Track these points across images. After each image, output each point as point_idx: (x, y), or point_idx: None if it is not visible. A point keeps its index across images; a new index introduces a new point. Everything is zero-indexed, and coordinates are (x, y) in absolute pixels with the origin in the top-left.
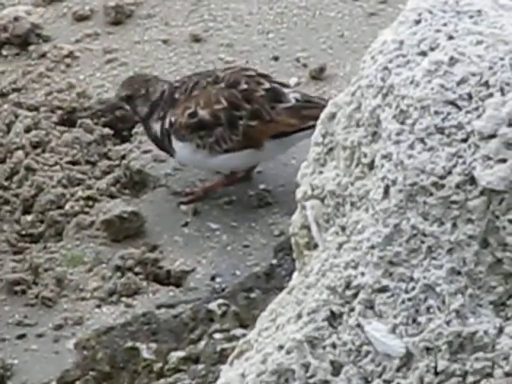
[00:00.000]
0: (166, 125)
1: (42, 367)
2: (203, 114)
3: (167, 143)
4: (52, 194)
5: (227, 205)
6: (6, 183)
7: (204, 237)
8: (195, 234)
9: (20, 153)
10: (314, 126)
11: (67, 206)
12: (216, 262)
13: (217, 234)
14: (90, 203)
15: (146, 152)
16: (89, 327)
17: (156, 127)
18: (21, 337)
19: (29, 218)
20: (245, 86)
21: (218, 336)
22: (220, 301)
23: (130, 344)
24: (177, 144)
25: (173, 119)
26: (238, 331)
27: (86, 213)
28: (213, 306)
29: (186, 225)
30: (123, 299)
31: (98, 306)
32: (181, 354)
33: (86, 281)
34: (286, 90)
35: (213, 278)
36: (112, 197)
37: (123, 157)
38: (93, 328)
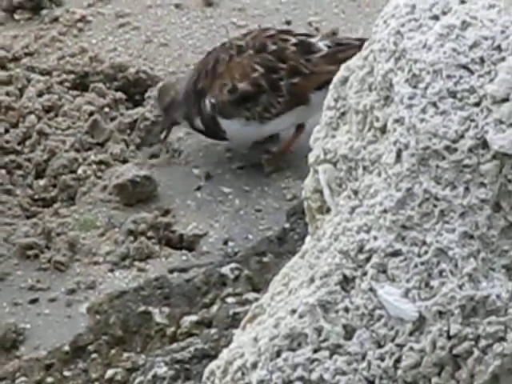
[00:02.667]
0: (208, 110)
1: (55, 331)
2: (243, 86)
3: (214, 127)
4: (64, 158)
5: (240, 169)
6: (18, 147)
7: (216, 201)
8: (208, 198)
9: (32, 117)
10: None
11: (80, 171)
12: (228, 226)
13: (229, 198)
14: (103, 167)
15: (158, 116)
16: (101, 291)
17: (197, 120)
18: (33, 301)
19: (41, 182)
20: (273, 47)
21: (230, 300)
22: (233, 265)
23: (142, 308)
24: (225, 123)
25: (213, 101)
26: (251, 295)
27: (99, 177)
28: (225, 270)
29: (198, 189)
30: (136, 263)
31: (111, 271)
32: (193, 318)
33: (98, 245)
34: (313, 40)
35: (225, 242)
36: (125, 161)
37: (135, 121)
38: (105, 292)
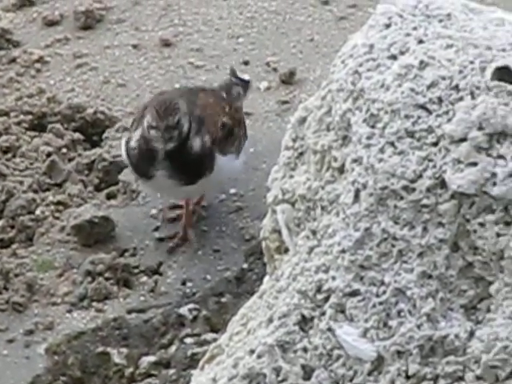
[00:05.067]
0: (206, 143)
1: (13, 372)
2: (227, 121)
3: (206, 162)
4: (22, 199)
5: (200, 210)
6: None
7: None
8: (166, 239)
9: None
10: None
11: (38, 211)
12: (187, 267)
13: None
14: (61, 208)
15: (116, 157)
16: (59, 332)
17: (195, 144)
18: None
19: None
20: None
21: (188, 340)
22: (191, 305)
23: (100, 349)
24: (220, 159)
25: (208, 137)
26: (209, 336)
27: (57, 218)
28: (183, 310)
29: (156, 229)
30: (94, 304)
31: (69, 311)
32: (152, 358)
33: (56, 286)
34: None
35: (183, 283)
36: (83, 202)
37: (93, 161)
38: (64, 333)
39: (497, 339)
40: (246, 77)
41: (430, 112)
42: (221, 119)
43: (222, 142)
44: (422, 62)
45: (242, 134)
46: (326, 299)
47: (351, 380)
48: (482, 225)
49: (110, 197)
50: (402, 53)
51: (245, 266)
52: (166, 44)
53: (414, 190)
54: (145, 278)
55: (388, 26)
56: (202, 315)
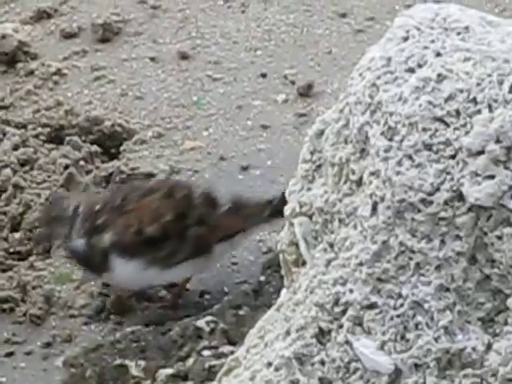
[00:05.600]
0: (105, 244)
1: None
2: (151, 229)
3: (101, 262)
4: (40, 211)
5: None
6: None
7: None
8: None
9: (8, 170)
10: (255, 223)
11: None
12: (204, 280)
13: None
14: None
15: (133, 169)
16: (77, 344)
17: (77, 244)
18: (9, 354)
19: (17, 235)
20: (181, 194)
21: (206, 353)
22: (208, 318)
23: (118, 361)
24: (120, 263)
25: (114, 238)
26: (227, 348)
27: None
28: (201, 323)
29: None
30: (112, 317)
31: (86, 324)
32: (169, 371)
33: (74, 298)
34: (214, 195)
35: (201, 296)
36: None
37: (111, 174)
38: (81, 345)
39: None
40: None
41: (447, 125)
42: (139, 225)
43: (129, 246)
44: (439, 74)
45: (181, 249)
46: (344, 312)
47: None
48: (499, 238)
49: None
50: (420, 66)
51: (262, 278)
52: (184, 56)
53: (431, 202)
54: (162, 290)
55: (406, 38)
56: (219, 328)
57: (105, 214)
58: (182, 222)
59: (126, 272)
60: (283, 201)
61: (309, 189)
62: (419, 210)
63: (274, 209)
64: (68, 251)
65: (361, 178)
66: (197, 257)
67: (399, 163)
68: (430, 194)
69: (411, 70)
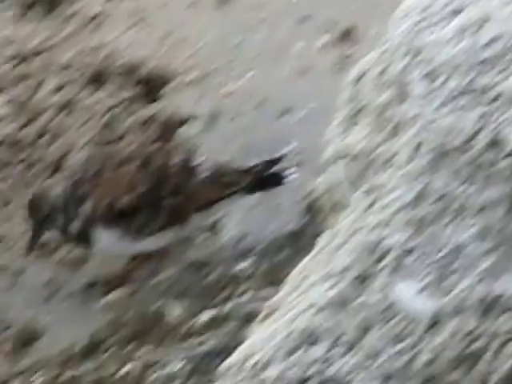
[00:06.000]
0: (86, 214)
1: (72, 327)
2: (125, 201)
3: (86, 233)
4: (81, 154)
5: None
6: (35, 144)
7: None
8: None
9: (49, 113)
10: (233, 193)
11: None
12: (245, 222)
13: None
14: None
15: (175, 112)
16: (118, 287)
17: (73, 224)
18: (50, 297)
19: (59, 177)
20: (159, 163)
21: (246, 296)
22: (249, 261)
23: (158, 304)
24: (100, 234)
25: (92, 208)
26: (267, 291)
27: None
28: (242, 265)
29: None
30: (153, 258)
31: (126, 265)
32: (210, 313)
33: None
34: (195, 162)
35: (242, 238)
36: None
37: (152, 117)
38: (122, 288)
39: None
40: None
41: (488, 69)
42: (114, 196)
43: (104, 216)
44: (481, 18)
45: (155, 220)
46: (384, 256)
47: (409, 337)
48: None
49: None
50: (462, 10)
51: (303, 221)
52: (223, 1)
53: (472, 147)
54: (204, 233)
55: None
56: (260, 270)
57: (84, 184)
58: (157, 192)
59: (104, 241)
60: (264, 171)
61: (349, 133)
62: (460, 154)
63: (255, 179)
64: (67, 237)
65: (401, 123)
66: (172, 226)
67: (439, 107)
68: (471, 138)
69: (452, 15)
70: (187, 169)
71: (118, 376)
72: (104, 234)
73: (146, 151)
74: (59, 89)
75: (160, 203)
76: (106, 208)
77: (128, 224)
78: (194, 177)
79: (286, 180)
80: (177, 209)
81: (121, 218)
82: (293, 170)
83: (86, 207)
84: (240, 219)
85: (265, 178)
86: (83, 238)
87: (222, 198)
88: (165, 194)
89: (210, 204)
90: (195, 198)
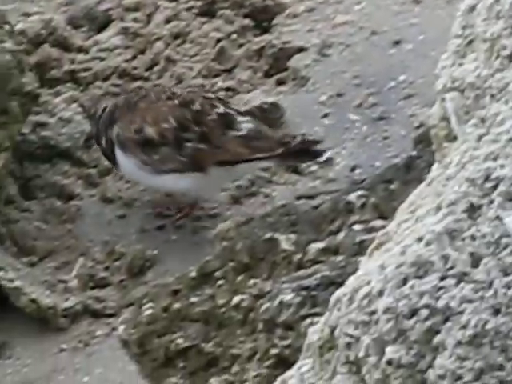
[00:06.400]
0: (113, 136)
1: (182, 258)
2: (150, 131)
3: (111, 154)
4: (192, 84)
5: (369, 96)
6: (146, 74)
7: (344, 128)
8: (335, 125)
9: (160, 44)
10: (261, 159)
11: None
12: (356, 154)
13: (356, 125)
14: (230, 94)
15: (285, 43)
16: (228, 218)
17: (103, 140)
18: (160, 228)
19: None
20: (198, 107)
21: (357, 227)
22: (359, 192)
23: (269, 235)
24: (121, 157)
25: (119, 132)
26: (377, 223)
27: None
28: (352, 197)
29: (326, 116)
30: (263, 190)
31: (238, 197)
32: (320, 245)
33: None
34: (239, 118)
35: (352, 169)
36: (252, 88)
37: (263, 48)
38: (232, 219)
39: None
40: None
41: None
42: (141, 124)
43: (128, 141)
44: None
45: (176, 158)
46: (495, 187)
47: None
48: None
49: (279, 83)
50: None
51: (413, 153)
52: None
53: None
54: (314, 165)
55: None
56: (370, 202)
57: (121, 109)
58: (184, 133)
59: (125, 166)
60: (298, 146)
61: (460, 64)
62: None
63: (286, 151)
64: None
65: None
66: (191, 172)
67: None
68: None
69: None
70: (225, 122)
71: (228, 307)
72: (124, 159)
73: (194, 96)
74: (170, 20)
75: (184, 144)
76: (131, 134)
77: (148, 155)
78: (229, 132)
79: (317, 158)
80: (198, 155)
81: (143, 146)
82: (328, 151)
83: (114, 130)
84: (351, 151)
85: (297, 152)
86: (109, 159)
87: (248, 161)
88: (191, 137)
89: (234, 162)
90: (221, 151)
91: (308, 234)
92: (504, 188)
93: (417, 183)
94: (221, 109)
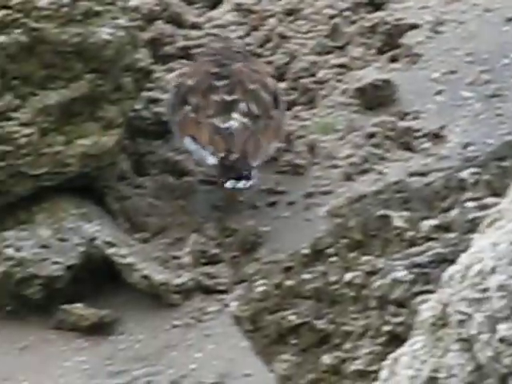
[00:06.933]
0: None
1: (294, 235)
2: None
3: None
4: (305, 61)
5: (482, 73)
6: (259, 50)
7: (457, 105)
8: (448, 103)
9: (273, 20)
10: None
11: (320, 74)
12: (469, 131)
13: (469, 102)
14: (343, 71)
15: (398, 20)
16: (340, 195)
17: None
18: (272, 204)
19: (282, 85)
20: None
21: (469, 204)
22: (472, 169)
23: (382, 212)
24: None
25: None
26: (490, 200)
27: (339, 81)
28: (465, 174)
29: (439, 93)
30: (375, 167)
31: (350, 174)
32: (432, 222)
33: (337, 149)
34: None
35: (465, 147)
36: (365, 65)
37: (376, 25)
38: (345, 196)
39: None
40: None
41: None
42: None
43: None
44: None
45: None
46: None
47: None
48: None
49: (392, 60)
50: None
51: None
52: None
53: None
54: (427, 142)
55: None
56: (483, 179)
57: (191, 91)
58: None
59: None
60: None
61: None
62: None
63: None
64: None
65: None
66: None
67: None
68: None
69: None
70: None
71: (340, 284)
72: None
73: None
74: None
75: None
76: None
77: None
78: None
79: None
80: None
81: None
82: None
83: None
84: (464, 128)
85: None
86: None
87: None
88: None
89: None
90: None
91: (420, 211)
92: None
93: None
94: (270, 85)
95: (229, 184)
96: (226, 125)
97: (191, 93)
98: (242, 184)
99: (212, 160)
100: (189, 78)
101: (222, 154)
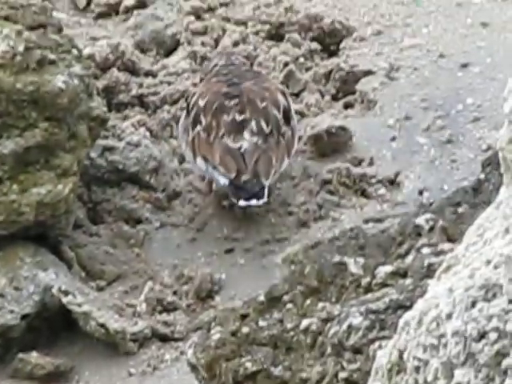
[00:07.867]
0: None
1: (250, 282)
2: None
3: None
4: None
5: (437, 119)
6: None
7: (412, 151)
8: (403, 149)
9: None
10: None
11: None
12: (424, 177)
13: (424, 148)
14: (298, 118)
15: (353, 66)
16: (296, 242)
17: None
18: (229, 251)
19: None
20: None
21: (425, 250)
22: (427, 215)
23: (337, 259)
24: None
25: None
26: (446, 246)
27: None
28: (420, 220)
29: (394, 139)
30: (331, 213)
31: (305, 221)
32: (388, 268)
33: (293, 195)
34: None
35: (420, 193)
36: (320, 112)
37: (330, 71)
38: (300, 243)
39: None
40: None
41: None
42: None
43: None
44: None
45: None
46: None
47: None
48: None
49: (347, 106)
50: None
51: (482, 176)
52: None
53: None
54: (382, 188)
55: None
56: (438, 225)
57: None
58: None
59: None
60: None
61: None
62: None
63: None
64: None
65: None
66: None
67: None
68: None
69: None
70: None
71: (296, 331)
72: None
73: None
74: (237, 44)
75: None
76: None
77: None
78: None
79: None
80: None
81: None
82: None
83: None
84: (419, 174)
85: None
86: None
87: None
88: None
89: None
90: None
91: (376, 257)
92: None
93: (485, 206)
94: (280, 105)
95: (241, 203)
96: (237, 145)
97: (203, 113)
98: (254, 202)
99: (224, 180)
100: (200, 98)
101: (234, 175)
